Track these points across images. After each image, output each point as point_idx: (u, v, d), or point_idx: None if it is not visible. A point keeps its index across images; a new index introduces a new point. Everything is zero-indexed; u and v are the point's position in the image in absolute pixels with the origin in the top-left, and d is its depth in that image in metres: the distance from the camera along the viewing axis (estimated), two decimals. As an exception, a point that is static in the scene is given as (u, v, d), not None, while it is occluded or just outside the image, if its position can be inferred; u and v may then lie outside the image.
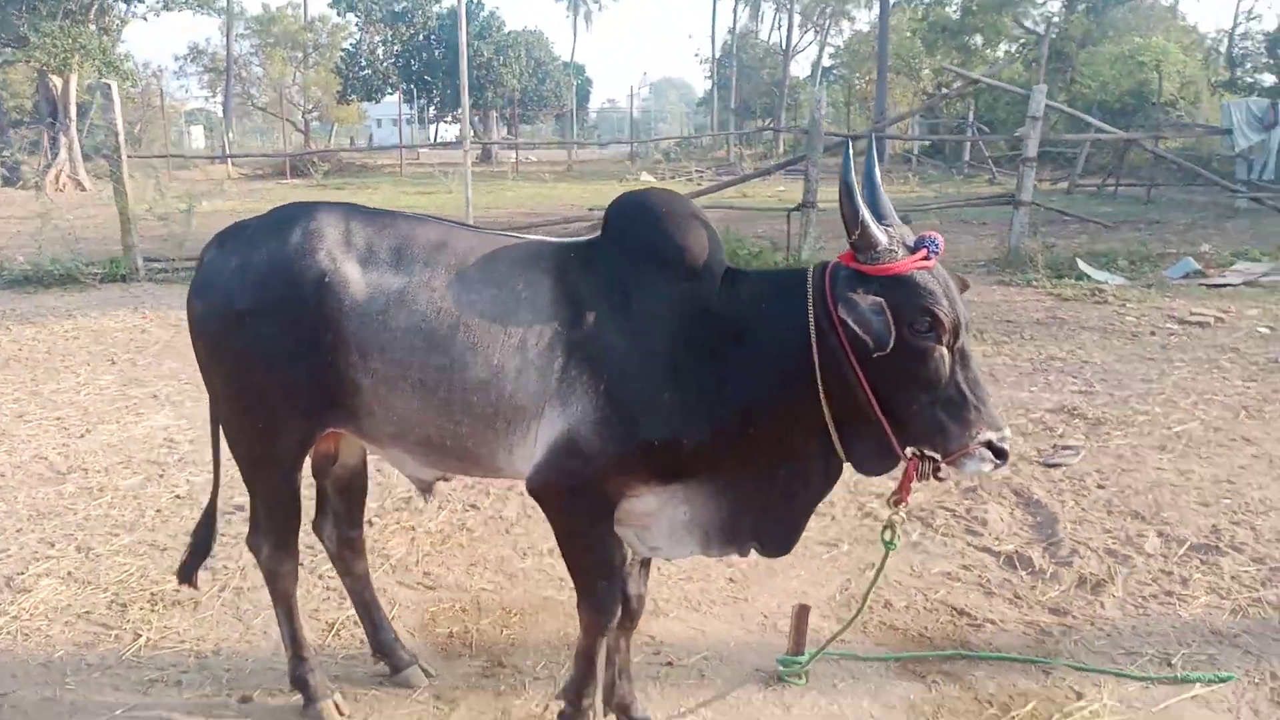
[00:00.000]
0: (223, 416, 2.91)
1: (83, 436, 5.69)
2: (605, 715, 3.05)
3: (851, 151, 2.36)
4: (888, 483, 4.93)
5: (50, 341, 8.05)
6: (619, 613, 2.79)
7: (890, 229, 2.34)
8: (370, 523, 4.54)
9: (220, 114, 42.92)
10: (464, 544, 4.35)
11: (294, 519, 3.01)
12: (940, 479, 2.44)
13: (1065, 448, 5.43)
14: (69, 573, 4.03)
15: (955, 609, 3.80)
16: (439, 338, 2.59)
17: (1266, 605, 3.72)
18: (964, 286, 2.45)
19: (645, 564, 3.02)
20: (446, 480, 3.06)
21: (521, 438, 2.62)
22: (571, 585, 2.82)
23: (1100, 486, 4.89)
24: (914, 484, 2.46)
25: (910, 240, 2.35)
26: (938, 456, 2.37)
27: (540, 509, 2.73)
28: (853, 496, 4.85)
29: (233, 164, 29.12)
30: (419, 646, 3.51)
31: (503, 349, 2.56)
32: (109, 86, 9.72)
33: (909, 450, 2.41)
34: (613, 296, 2.56)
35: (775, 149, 35.11)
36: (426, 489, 3.04)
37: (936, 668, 3.39)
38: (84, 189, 22.15)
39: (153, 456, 5.38)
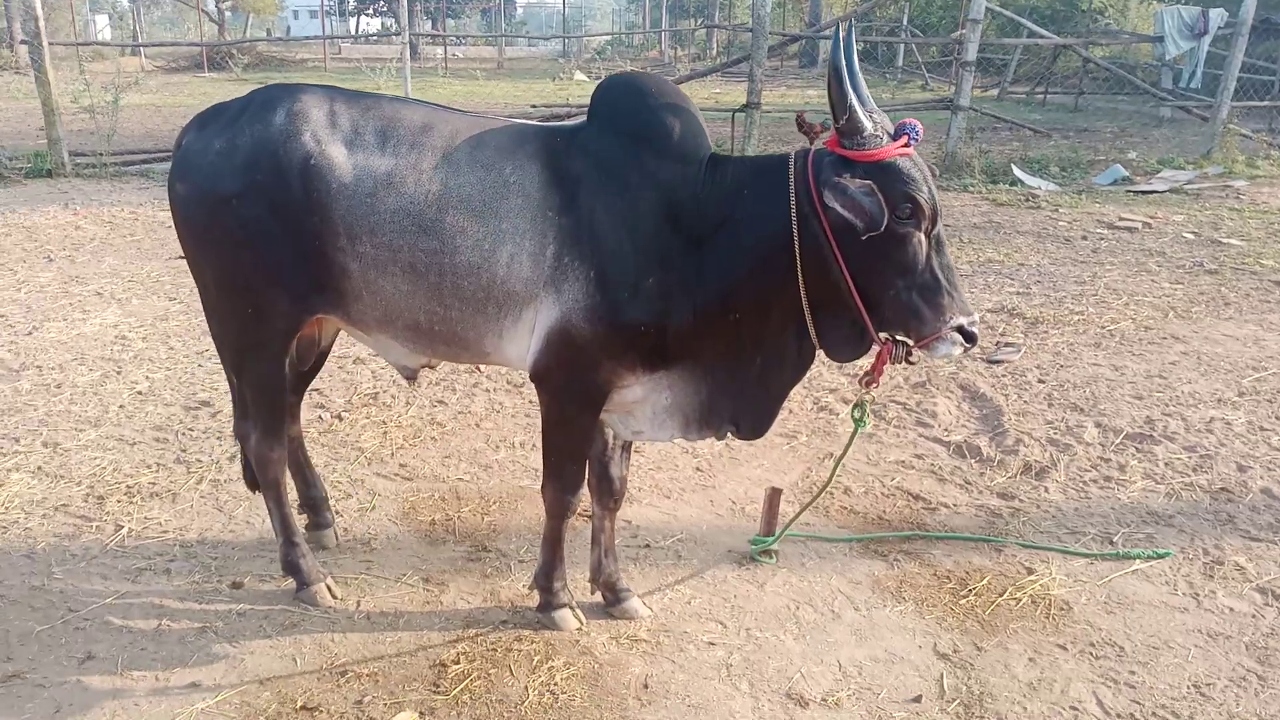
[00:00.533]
0: (209, 301, 2.91)
1: (30, 334, 5.57)
2: (593, 593, 3.21)
3: (842, 35, 2.40)
4: (841, 379, 5.15)
5: (-21, 238, 7.77)
6: (579, 501, 2.94)
7: (874, 116, 2.39)
8: (340, 417, 4.60)
9: (126, 2, 40.63)
10: (435, 437, 4.42)
11: (282, 405, 3.05)
12: (911, 362, 2.57)
13: (1007, 345, 5.67)
14: (39, 467, 4.02)
15: (911, 494, 4.02)
16: (428, 221, 2.61)
17: (1198, 489, 4.01)
18: (934, 174, 2.52)
19: (626, 447, 3.14)
20: (432, 368, 3.12)
21: (512, 323, 2.69)
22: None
23: (1040, 381, 5.15)
24: (885, 367, 2.61)
25: (890, 128, 2.42)
26: (910, 341, 2.49)
27: (538, 397, 2.82)
28: (808, 392, 5.03)
29: (145, 56, 27.72)
30: (403, 533, 3.62)
31: (493, 234, 2.60)
32: (24, -33, 9.18)
33: (882, 335, 2.52)
34: (602, 180, 2.59)
35: (709, 50, 34.60)
36: (411, 376, 3.09)
37: (897, 547, 3.61)
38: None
39: (107, 354, 5.30)
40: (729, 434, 2.86)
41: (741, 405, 2.76)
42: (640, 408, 2.81)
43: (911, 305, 2.42)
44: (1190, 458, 4.26)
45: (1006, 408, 4.80)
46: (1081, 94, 19.53)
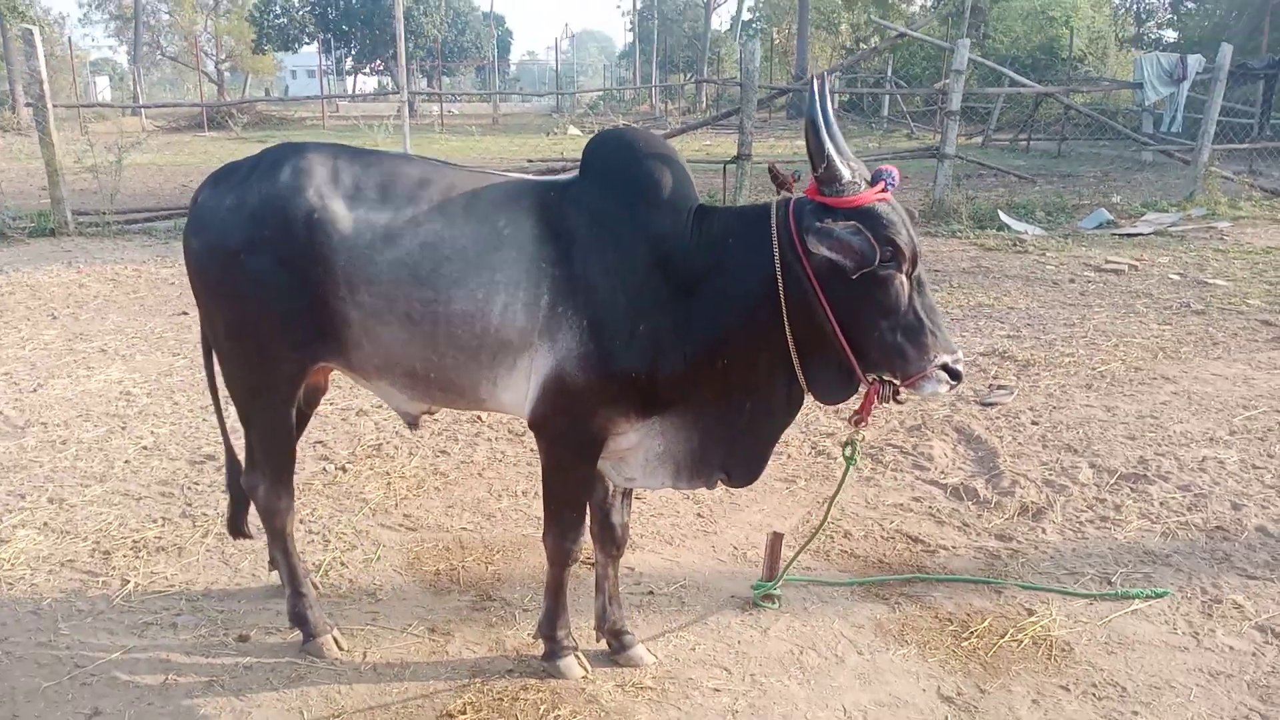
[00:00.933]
0: (221, 352, 2.99)
1: (35, 391, 5.62)
2: (598, 640, 3.24)
3: (816, 88, 2.50)
4: (837, 423, 5.21)
5: (-19, 297, 7.84)
6: (580, 549, 2.98)
7: (851, 164, 2.49)
8: (344, 469, 4.64)
9: (126, 64, 41.20)
10: (439, 487, 4.47)
11: (290, 454, 3.11)
12: (899, 401, 2.67)
13: (999, 387, 5.75)
14: (45, 523, 4.04)
15: (910, 536, 4.07)
16: (424, 272, 2.70)
17: (1194, 528, 4.06)
18: (913, 218, 2.61)
19: (627, 495, 3.20)
20: (432, 414, 3.19)
21: (507, 371, 2.76)
22: None
23: (1034, 423, 5.22)
24: (874, 406, 2.67)
25: (867, 175, 2.51)
26: (897, 380, 2.56)
27: (537, 445, 2.88)
28: (805, 436, 5.09)
29: (146, 117, 28.07)
30: (408, 583, 3.65)
31: (486, 285, 2.68)
32: (30, 32, 9.34)
33: (869, 376, 2.59)
34: (594, 232, 2.67)
35: (699, 103, 35.14)
36: (413, 422, 3.16)
37: (898, 590, 3.64)
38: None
39: (112, 409, 5.35)
40: (720, 481, 2.91)
41: (732, 451, 2.81)
42: (633, 454, 2.87)
43: (896, 345, 2.48)
44: (1185, 497, 4.32)
45: (1001, 449, 4.86)
46: (1064, 140, 19.89)
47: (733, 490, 4.44)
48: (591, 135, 2.98)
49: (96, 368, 6.07)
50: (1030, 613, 3.47)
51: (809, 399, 2.75)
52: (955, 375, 2.50)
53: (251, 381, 2.96)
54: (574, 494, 2.89)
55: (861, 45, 33.70)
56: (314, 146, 2.90)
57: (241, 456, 3.20)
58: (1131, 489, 4.42)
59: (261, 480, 3.09)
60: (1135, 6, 31.03)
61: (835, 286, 2.46)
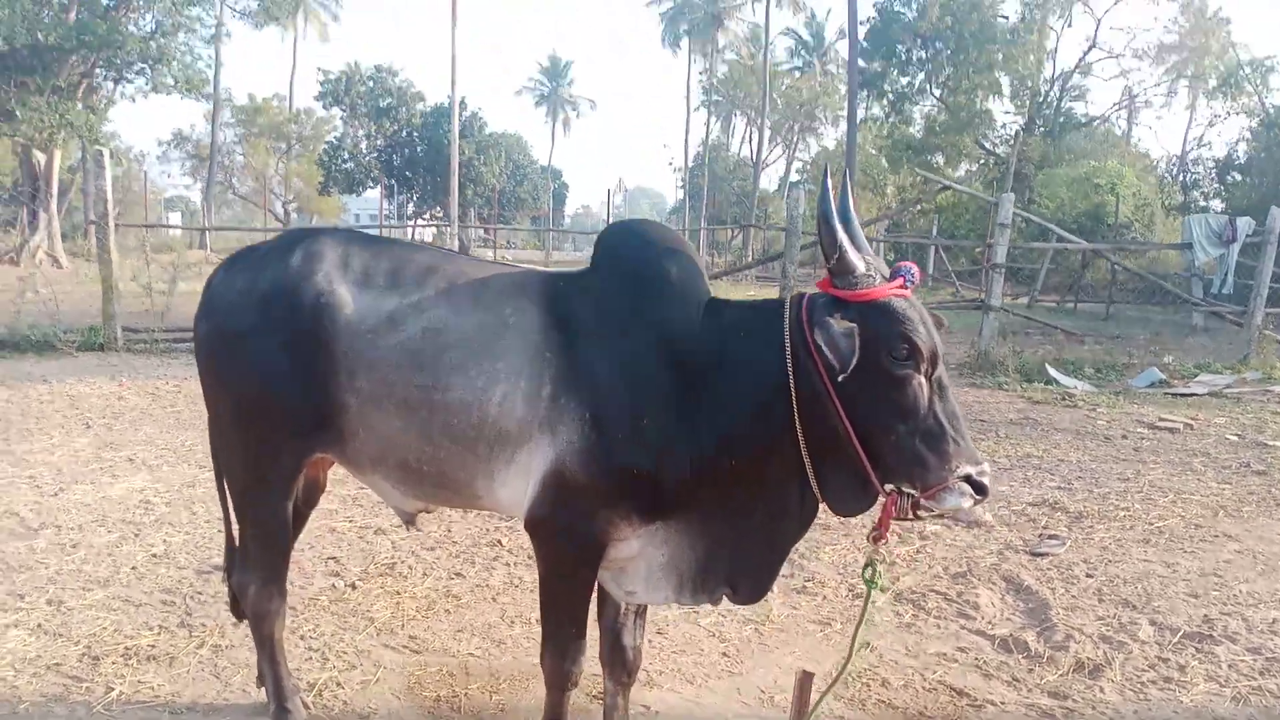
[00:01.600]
0: (221, 439, 2.92)
1: (56, 495, 5.53)
2: None
3: (830, 182, 2.40)
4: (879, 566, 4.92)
5: (24, 404, 7.88)
6: (580, 671, 2.76)
7: (866, 258, 2.37)
8: (353, 586, 4.44)
9: (198, 202, 43.14)
10: (450, 610, 4.23)
11: (284, 553, 2.97)
12: (920, 516, 2.43)
13: (1051, 537, 5.44)
14: (39, 624, 3.87)
15: (954, 689, 3.74)
16: (424, 358, 2.60)
17: (1267, 694, 3.69)
18: (939, 324, 2.46)
19: (640, 615, 2.99)
20: (429, 512, 3.05)
21: (504, 465, 2.61)
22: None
23: (1089, 575, 4.89)
24: (893, 521, 2.44)
25: (885, 271, 2.39)
26: (915, 491, 2.35)
27: (534, 550, 2.72)
28: (842, 578, 4.81)
29: (211, 250, 29.15)
30: (405, 709, 3.39)
31: (487, 373, 2.57)
32: (100, 153, 9.75)
33: (887, 486, 2.39)
34: (601, 323, 2.58)
35: (746, 255, 35.72)
36: (409, 520, 3.02)
37: (939, 744, 3.32)
38: (60, 266, 21.98)
39: (129, 516, 5.23)
40: (725, 597, 2.70)
41: (739, 563, 2.62)
42: (635, 564, 2.68)
43: (914, 452, 2.31)
44: (1256, 659, 3.95)
45: (1054, 601, 4.53)
46: (1112, 303, 19.74)
47: (762, 630, 4.17)
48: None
49: (121, 475, 5.99)
50: (1088, 778, 3.12)
51: (823, 510, 2.55)
52: (980, 489, 2.30)
53: (250, 473, 2.86)
54: (574, 606, 2.69)
55: (907, 205, 34.28)
56: (328, 231, 2.91)
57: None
58: (1196, 649, 4.06)
59: (253, 580, 2.93)
60: (1181, 176, 31.40)
61: (849, 385, 2.30)
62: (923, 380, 2.31)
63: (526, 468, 2.58)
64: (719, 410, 2.47)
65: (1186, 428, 8.76)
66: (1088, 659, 3.97)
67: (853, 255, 2.34)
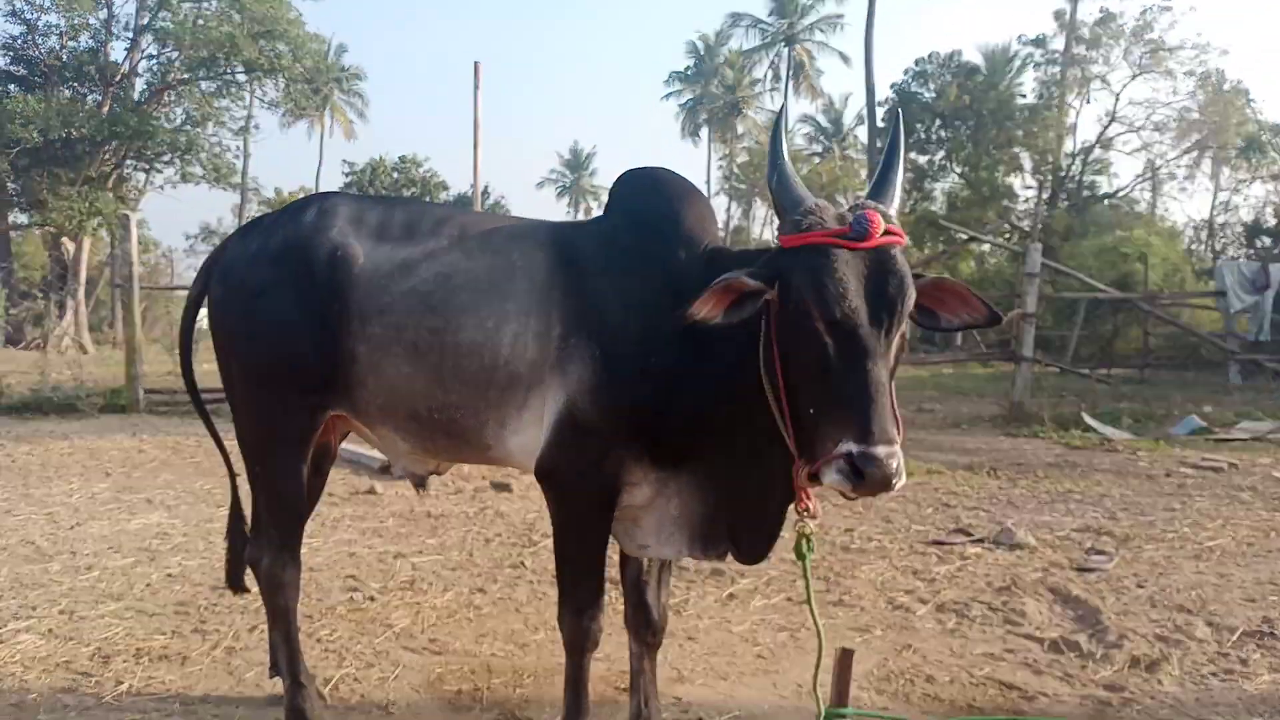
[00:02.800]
0: (236, 405, 2.87)
1: (73, 528, 5.45)
2: None
3: (781, 131, 2.34)
4: (916, 582, 4.73)
5: (45, 456, 7.85)
6: (600, 630, 2.67)
7: (821, 203, 2.16)
8: (372, 598, 4.30)
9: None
10: (471, 619, 4.08)
11: (298, 520, 2.92)
12: (819, 483, 2.12)
13: (1098, 553, 5.22)
14: (50, 630, 3.76)
15: (1004, 684, 3.53)
16: (435, 300, 2.59)
17: (1339, 679, 3.46)
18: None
19: (664, 572, 2.90)
20: (439, 474, 2.97)
21: (516, 410, 2.56)
22: None
23: (1140, 586, 4.66)
24: (810, 490, 2.25)
25: (836, 219, 2.14)
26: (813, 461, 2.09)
27: (546, 503, 2.64)
28: (880, 593, 4.60)
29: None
30: (425, 700, 3.24)
31: (497, 313, 2.55)
32: (126, 217, 9.93)
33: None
34: (612, 263, 2.55)
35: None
36: (421, 482, 3.00)
37: (991, 732, 3.11)
38: (85, 351, 22.28)
39: (144, 545, 5.13)
40: (729, 554, 2.61)
41: (741, 518, 2.54)
42: (647, 517, 2.60)
43: (809, 417, 2.07)
44: (1325, 652, 3.72)
45: (1105, 608, 4.30)
46: (1146, 366, 19.41)
47: (798, 636, 3.99)
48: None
49: (138, 513, 5.91)
50: (1153, 758, 2.91)
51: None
52: (857, 472, 1.95)
53: (266, 435, 2.82)
54: (589, 556, 2.58)
55: (932, 264, 34.28)
56: (338, 192, 2.95)
57: (248, 510, 2.98)
58: (1258, 644, 3.84)
59: (267, 550, 2.85)
60: (1210, 241, 31.28)
61: (782, 338, 2.14)
62: (829, 341, 2.03)
63: (538, 412, 2.53)
64: (716, 354, 2.39)
65: (1231, 467, 8.48)
66: (1144, 655, 3.75)
67: (797, 190, 2.16)
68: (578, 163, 69.74)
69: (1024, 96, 36.05)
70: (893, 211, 2.19)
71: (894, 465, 1.95)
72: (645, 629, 2.84)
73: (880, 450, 1.94)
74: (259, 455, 2.83)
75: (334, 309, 2.64)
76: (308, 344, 2.66)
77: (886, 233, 2.08)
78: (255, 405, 2.79)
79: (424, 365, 2.58)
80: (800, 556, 2.43)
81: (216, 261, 2.93)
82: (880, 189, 2.30)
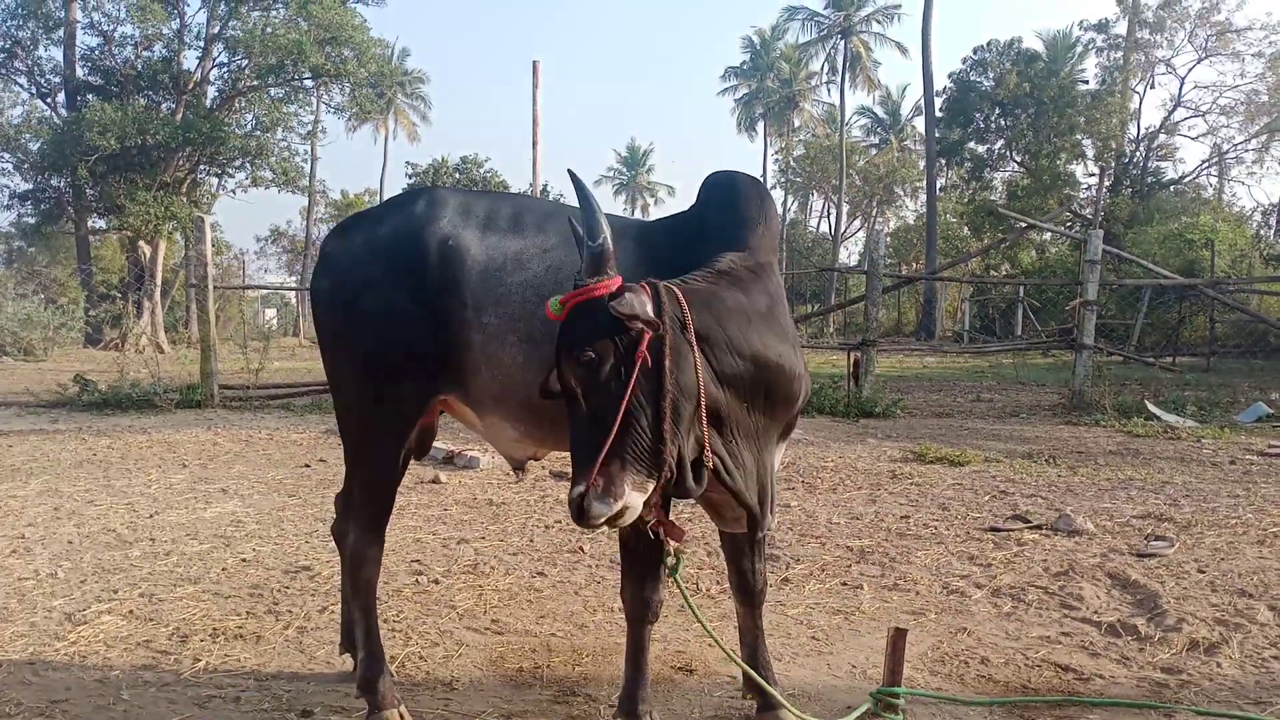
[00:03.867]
0: (342, 395, 2.98)
1: (151, 517, 5.67)
2: (744, 697, 3.14)
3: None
4: (971, 567, 4.75)
5: (124, 450, 8.16)
6: (660, 602, 2.75)
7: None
8: (436, 581, 4.43)
9: (294, 301, 44.90)
10: (531, 600, 4.19)
11: (388, 501, 3.01)
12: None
13: (1158, 538, 5.16)
14: (130, 611, 3.95)
15: (1059, 665, 3.54)
16: (547, 292, 2.70)
17: (1406, 660, 3.41)
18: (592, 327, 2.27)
19: (760, 541, 2.99)
20: (537, 459, 3.05)
21: None
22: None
23: (1200, 571, 4.62)
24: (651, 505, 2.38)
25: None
26: None
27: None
28: (935, 577, 4.62)
29: (305, 337, 30.17)
30: (487, 677, 3.34)
31: None
32: (201, 220, 10.26)
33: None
34: (674, 257, 2.69)
35: (825, 328, 35.51)
36: (519, 466, 3.11)
37: (1047, 711, 3.13)
38: (162, 351, 22.97)
39: (220, 532, 5.33)
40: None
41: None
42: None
43: None
44: (1393, 635, 3.66)
45: (1164, 592, 4.28)
46: (1212, 354, 18.95)
47: (852, 619, 4.03)
48: None
49: (214, 503, 6.13)
50: (1210, 737, 2.90)
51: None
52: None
53: (370, 419, 2.91)
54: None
55: (991, 271, 33.80)
56: (444, 187, 3.06)
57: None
58: (1324, 628, 3.79)
59: (355, 526, 2.99)
60: (1278, 225, 30.40)
61: None
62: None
63: None
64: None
65: (1301, 454, 8.29)
66: (1203, 639, 3.73)
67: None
68: (634, 160, 69.90)
69: (1085, 82, 35.37)
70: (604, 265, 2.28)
71: (573, 509, 2.16)
72: (747, 593, 2.99)
73: (577, 492, 2.16)
74: (361, 438, 2.95)
75: (447, 298, 2.77)
76: (421, 333, 2.78)
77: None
78: (362, 392, 2.89)
79: (536, 354, 2.71)
80: (671, 572, 2.61)
81: (320, 256, 3.07)
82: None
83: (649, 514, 2.34)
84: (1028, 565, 4.78)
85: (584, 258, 2.29)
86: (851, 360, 10.93)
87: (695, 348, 2.34)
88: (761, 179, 2.98)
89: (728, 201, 2.77)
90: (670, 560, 2.58)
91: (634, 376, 2.20)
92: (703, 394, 2.34)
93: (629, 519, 2.21)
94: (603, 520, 2.15)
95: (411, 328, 2.78)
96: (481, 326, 2.75)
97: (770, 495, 2.71)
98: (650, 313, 2.23)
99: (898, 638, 3.14)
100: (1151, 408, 10.60)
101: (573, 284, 2.30)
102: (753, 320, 2.54)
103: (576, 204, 2.45)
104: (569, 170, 2.38)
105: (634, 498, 2.19)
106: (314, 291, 2.99)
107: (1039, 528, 5.53)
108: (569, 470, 6.73)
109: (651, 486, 2.24)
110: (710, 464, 2.39)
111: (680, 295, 2.37)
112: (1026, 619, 4.05)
